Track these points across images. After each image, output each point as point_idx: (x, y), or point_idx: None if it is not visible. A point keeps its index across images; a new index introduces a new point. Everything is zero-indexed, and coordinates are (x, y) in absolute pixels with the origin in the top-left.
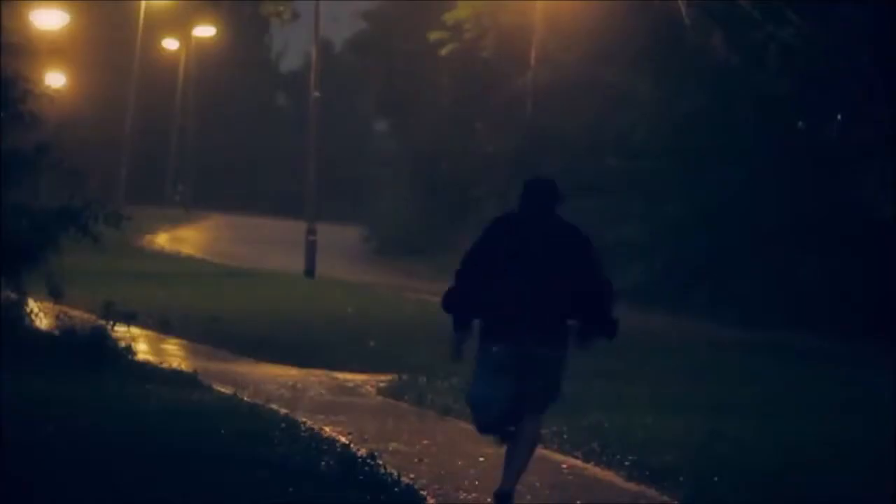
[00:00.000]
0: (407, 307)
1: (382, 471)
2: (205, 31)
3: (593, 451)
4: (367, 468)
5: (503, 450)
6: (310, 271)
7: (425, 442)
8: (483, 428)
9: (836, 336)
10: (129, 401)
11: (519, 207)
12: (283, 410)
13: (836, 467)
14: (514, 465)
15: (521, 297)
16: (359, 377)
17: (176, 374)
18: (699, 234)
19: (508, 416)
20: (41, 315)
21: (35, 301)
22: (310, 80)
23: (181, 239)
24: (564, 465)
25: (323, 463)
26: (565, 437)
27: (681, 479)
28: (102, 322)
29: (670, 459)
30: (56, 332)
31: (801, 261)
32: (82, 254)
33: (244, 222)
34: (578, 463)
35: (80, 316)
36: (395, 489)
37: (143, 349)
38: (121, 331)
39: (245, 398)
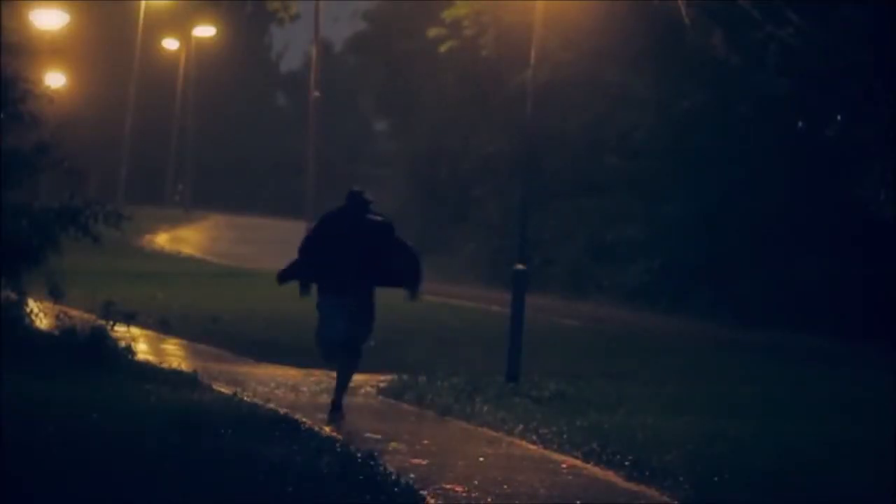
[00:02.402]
0: (407, 307)
1: (382, 471)
2: (205, 31)
3: (593, 451)
4: (366, 468)
5: (501, 450)
6: None
7: (425, 442)
8: (326, 356)
9: (836, 336)
10: (129, 401)
11: (340, 209)
12: (283, 410)
13: (836, 467)
14: (342, 384)
15: (345, 267)
16: (359, 377)
17: (176, 374)
18: (699, 234)
19: (341, 345)
20: (41, 315)
21: (35, 301)
22: (310, 80)
23: (181, 239)
24: (564, 465)
25: (323, 463)
26: (565, 437)
27: (681, 479)
28: (102, 322)
29: (670, 459)
30: (56, 332)
31: (801, 261)
32: (82, 254)
33: (244, 222)
34: (578, 463)
35: (80, 316)
36: (395, 489)
37: (143, 349)
38: (121, 331)
39: (245, 398)
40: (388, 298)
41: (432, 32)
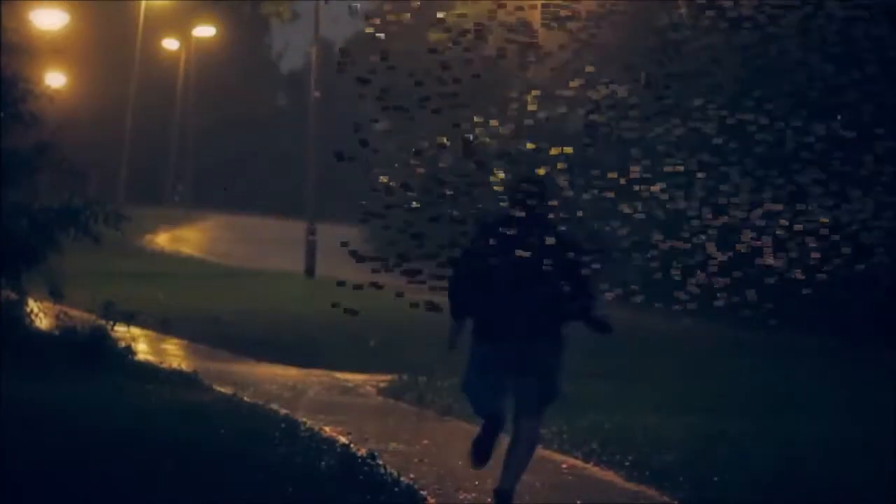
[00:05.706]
0: (407, 307)
1: (382, 471)
2: (205, 31)
3: (593, 451)
4: (367, 468)
5: (503, 449)
6: (310, 271)
7: (425, 442)
8: (479, 411)
9: (837, 336)
10: (129, 401)
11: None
12: (283, 410)
13: (836, 467)
14: (513, 466)
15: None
16: (359, 377)
17: (176, 374)
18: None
19: (499, 405)
20: (41, 315)
21: (35, 301)
22: (310, 80)
23: (181, 239)
24: (564, 465)
25: (323, 463)
26: (565, 437)
27: (681, 479)
28: (102, 322)
29: (670, 459)
30: (56, 332)
31: (801, 261)
32: (82, 254)
33: (244, 222)
34: (578, 463)
35: (80, 316)
36: (395, 489)
37: (143, 349)
38: (121, 331)
39: (245, 398)
40: (386, 297)
41: (433, 36)
